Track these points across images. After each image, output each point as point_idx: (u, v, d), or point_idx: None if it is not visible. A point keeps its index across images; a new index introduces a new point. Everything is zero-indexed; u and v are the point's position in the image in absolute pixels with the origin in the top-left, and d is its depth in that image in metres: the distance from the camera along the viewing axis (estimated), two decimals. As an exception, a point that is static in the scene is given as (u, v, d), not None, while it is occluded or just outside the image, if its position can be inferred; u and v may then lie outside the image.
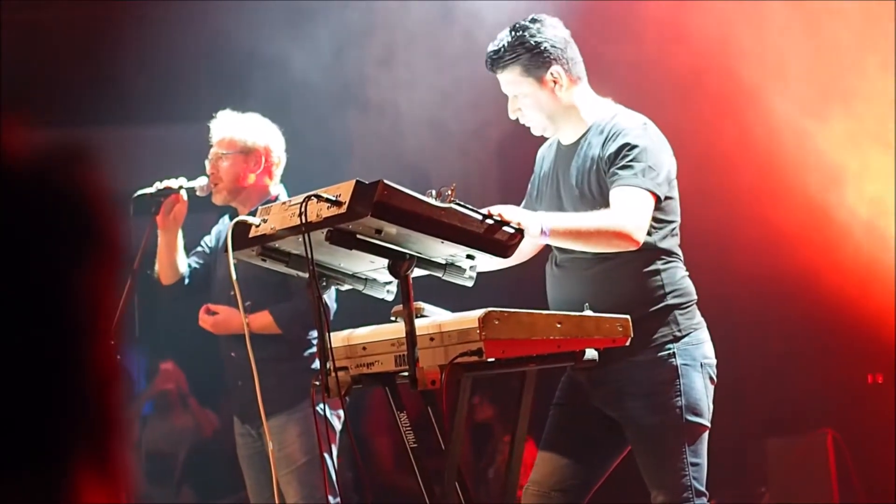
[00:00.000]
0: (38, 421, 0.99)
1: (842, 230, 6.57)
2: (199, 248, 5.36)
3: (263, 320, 5.07)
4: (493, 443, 7.74)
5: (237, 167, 5.16)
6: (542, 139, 4.21)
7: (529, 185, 4.22)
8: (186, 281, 5.25)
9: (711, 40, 6.63)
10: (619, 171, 3.84)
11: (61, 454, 1.00)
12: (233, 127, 5.20)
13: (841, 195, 6.61)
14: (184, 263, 5.25)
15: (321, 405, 4.85)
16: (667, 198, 3.91)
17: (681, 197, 4.02)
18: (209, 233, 5.42)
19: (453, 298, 3.82)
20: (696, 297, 3.98)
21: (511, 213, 3.57)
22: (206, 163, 5.22)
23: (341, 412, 5.02)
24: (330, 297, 5.10)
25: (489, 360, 3.39)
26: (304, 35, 7.06)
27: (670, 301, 3.90)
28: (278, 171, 5.25)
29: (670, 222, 3.96)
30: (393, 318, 3.64)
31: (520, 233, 3.50)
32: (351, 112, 7.56)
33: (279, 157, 5.25)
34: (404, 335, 3.44)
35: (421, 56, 7.01)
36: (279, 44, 7.08)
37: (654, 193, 3.82)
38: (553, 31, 4.01)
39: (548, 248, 4.07)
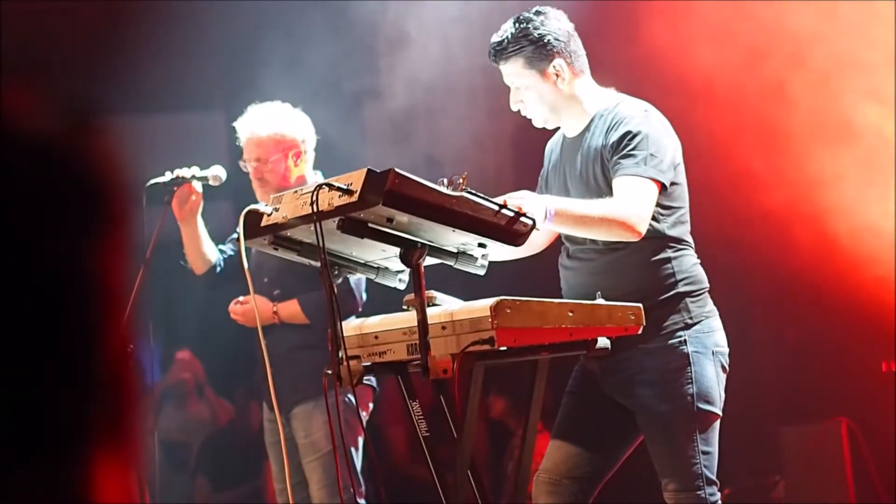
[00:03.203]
0: (50, 410, 0.98)
1: (856, 218, 6.55)
2: (235, 235, 5.34)
3: (291, 309, 5.08)
4: (513, 439, 7.73)
5: (281, 166, 5.12)
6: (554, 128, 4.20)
7: (539, 179, 4.21)
8: (218, 269, 5.24)
9: (734, 43, 6.62)
10: (622, 161, 3.83)
11: (75, 443, 0.99)
12: (268, 124, 5.13)
13: (859, 185, 6.59)
14: (212, 251, 5.23)
15: (350, 397, 4.88)
16: (672, 184, 3.90)
17: (693, 188, 4.01)
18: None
19: (465, 287, 3.81)
20: (707, 284, 3.97)
21: (517, 197, 3.57)
22: (247, 167, 5.14)
23: (371, 405, 5.06)
24: (360, 288, 5.11)
25: (501, 348, 3.39)
26: (317, 24, 7.06)
27: (681, 289, 3.89)
28: (312, 158, 5.22)
29: (678, 209, 3.94)
30: (405, 307, 3.64)
31: (531, 221, 3.49)
32: (364, 100, 7.56)
33: (313, 144, 5.21)
34: (416, 324, 3.44)
35: (435, 45, 7.00)
36: (292, 32, 7.08)
37: (657, 181, 3.81)
38: (556, 24, 4.00)
39: (560, 240, 4.07)
